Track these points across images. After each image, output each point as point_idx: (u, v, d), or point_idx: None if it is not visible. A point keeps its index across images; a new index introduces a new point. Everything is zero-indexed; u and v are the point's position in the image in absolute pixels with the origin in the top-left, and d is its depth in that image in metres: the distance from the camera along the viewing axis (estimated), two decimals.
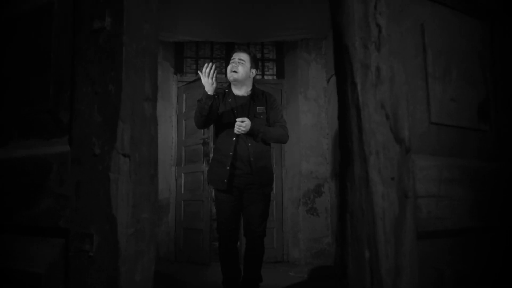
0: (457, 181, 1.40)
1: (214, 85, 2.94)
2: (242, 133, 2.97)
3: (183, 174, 5.65)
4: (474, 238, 1.48)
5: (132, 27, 1.15)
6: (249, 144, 3.04)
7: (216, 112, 3.10)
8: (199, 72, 2.94)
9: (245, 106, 3.13)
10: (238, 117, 3.00)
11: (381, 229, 1.20)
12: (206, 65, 2.92)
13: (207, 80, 2.91)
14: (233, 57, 3.20)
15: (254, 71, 3.21)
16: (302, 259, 5.30)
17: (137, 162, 1.13)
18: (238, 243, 3.87)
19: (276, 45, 6.01)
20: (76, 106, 1.20)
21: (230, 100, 3.16)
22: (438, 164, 1.37)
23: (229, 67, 3.17)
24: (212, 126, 5.29)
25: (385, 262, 1.19)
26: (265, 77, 6.00)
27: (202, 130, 5.43)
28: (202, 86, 2.95)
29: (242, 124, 2.93)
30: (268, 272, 3.97)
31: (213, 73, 2.91)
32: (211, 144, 5.32)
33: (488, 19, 1.61)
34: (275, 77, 6.00)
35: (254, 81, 3.29)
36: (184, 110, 5.71)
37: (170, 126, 5.73)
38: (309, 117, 5.58)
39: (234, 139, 3.06)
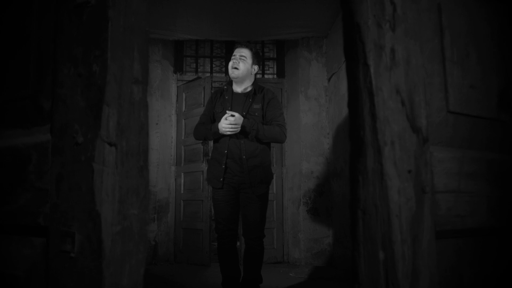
0: (478, 176, 1.26)
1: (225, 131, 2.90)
2: (231, 132, 2.87)
3: (182, 173, 5.52)
4: (494, 238, 1.34)
5: (119, 0, 1.01)
6: (242, 142, 2.94)
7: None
8: (227, 115, 2.86)
9: (240, 104, 3.03)
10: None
11: (397, 227, 1.06)
12: (234, 115, 2.87)
13: (223, 123, 2.87)
14: (234, 54, 3.10)
15: (256, 67, 3.10)
16: (303, 259, 5.17)
17: (125, 152, 0.99)
18: (238, 243, 3.76)
19: (277, 44, 5.88)
20: (58, 90, 1.06)
21: (227, 97, 3.07)
22: (457, 157, 1.23)
23: (230, 64, 3.08)
24: None
25: (401, 264, 1.05)
26: (266, 76, 5.87)
27: None
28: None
29: (231, 119, 2.83)
30: (268, 273, 3.91)
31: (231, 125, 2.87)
32: (211, 144, 5.19)
33: (507, 1, 1.47)
34: (275, 76, 5.87)
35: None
36: (183, 109, 5.57)
37: (170, 125, 5.59)
38: (310, 117, 5.45)
39: (228, 136, 2.97)
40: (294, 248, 5.31)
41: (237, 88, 3.10)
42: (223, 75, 5.68)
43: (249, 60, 3.05)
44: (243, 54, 3.05)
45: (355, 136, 1.13)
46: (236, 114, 2.85)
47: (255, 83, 3.12)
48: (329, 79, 5.44)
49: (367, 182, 1.09)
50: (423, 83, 1.15)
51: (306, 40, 5.55)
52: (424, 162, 1.13)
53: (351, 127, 1.15)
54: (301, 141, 5.40)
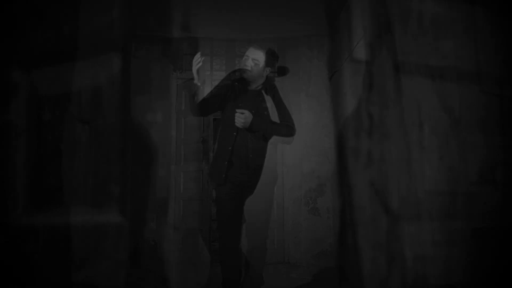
0: (451, 244, 1.47)
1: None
2: (242, 126, 2.99)
3: (182, 173, 5.60)
4: None
5: None
6: (249, 140, 3.09)
7: (212, 100, 3.25)
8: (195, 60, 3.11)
9: (250, 101, 3.18)
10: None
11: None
12: (244, 112, 3.00)
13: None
14: (247, 54, 3.21)
15: (268, 69, 3.23)
16: (304, 260, 5.27)
17: None
18: (239, 244, 3.77)
19: (277, 42, 5.84)
20: None
21: (240, 94, 3.22)
22: (430, 229, 1.48)
23: (242, 61, 3.21)
24: (211, 125, 5.33)
25: None
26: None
27: (202, 128, 5.40)
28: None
29: (241, 116, 2.97)
30: (269, 274, 4.02)
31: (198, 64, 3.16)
32: (211, 143, 5.31)
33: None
34: (276, 74, 5.93)
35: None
36: (183, 107, 5.63)
37: (169, 124, 5.63)
38: (311, 115, 5.52)
39: (235, 133, 3.09)
40: (295, 249, 5.40)
41: (248, 86, 3.26)
42: (224, 73, 5.73)
43: (262, 64, 3.18)
44: (256, 58, 3.17)
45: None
46: (246, 112, 2.99)
47: (266, 82, 3.27)
48: (330, 78, 5.47)
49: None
50: (397, 173, 1.44)
51: (307, 38, 5.61)
52: (395, 236, 1.43)
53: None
54: (302, 140, 5.43)
